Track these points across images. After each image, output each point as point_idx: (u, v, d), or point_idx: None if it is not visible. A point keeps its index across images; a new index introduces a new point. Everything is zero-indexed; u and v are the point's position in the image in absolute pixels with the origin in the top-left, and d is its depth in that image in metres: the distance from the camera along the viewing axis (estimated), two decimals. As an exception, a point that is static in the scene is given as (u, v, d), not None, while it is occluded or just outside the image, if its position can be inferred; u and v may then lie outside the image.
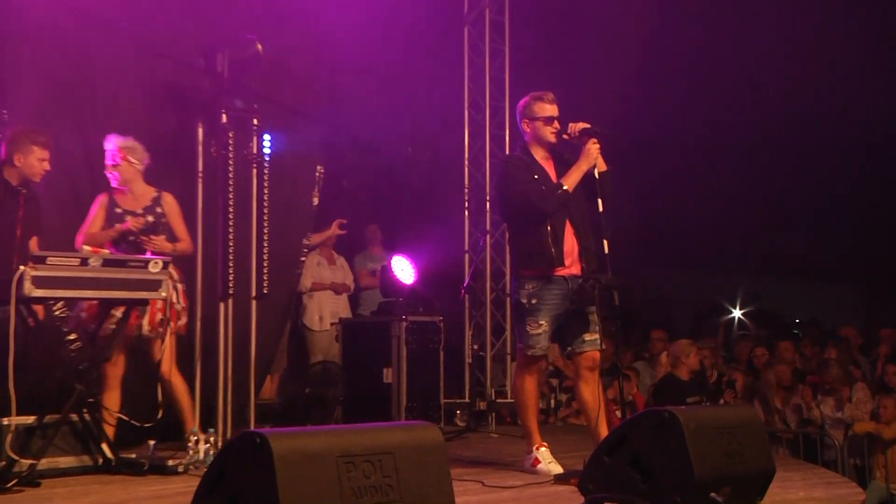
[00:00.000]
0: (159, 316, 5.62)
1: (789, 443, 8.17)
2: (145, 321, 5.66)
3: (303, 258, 7.74)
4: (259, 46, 6.17)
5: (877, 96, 13.05)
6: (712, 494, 3.88)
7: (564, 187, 5.21)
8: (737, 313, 17.88)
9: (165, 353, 5.60)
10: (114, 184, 5.86)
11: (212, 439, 5.42)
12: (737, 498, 4.05)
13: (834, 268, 18.13)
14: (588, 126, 5.27)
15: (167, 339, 5.59)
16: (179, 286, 5.83)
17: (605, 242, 5.13)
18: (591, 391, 5.28)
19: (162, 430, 5.61)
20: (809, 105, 13.49)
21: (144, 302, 5.42)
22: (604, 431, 5.06)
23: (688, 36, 11.98)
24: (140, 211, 5.84)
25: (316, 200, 7.57)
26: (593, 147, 5.21)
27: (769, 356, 8.96)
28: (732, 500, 3.99)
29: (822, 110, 13.63)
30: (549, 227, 5.20)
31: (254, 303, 6.33)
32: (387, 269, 8.03)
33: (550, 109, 5.35)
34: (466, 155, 8.88)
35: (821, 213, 15.85)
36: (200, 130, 6.25)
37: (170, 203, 5.93)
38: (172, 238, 5.89)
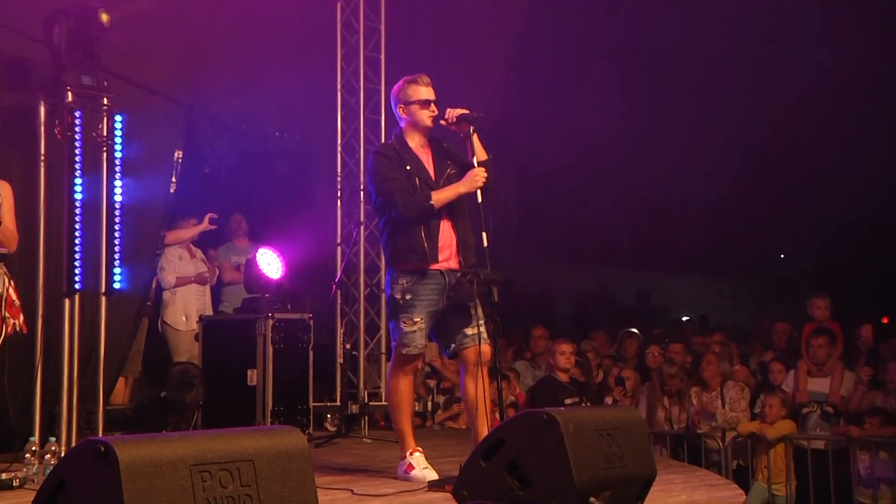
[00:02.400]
0: None
1: (672, 443, 8.40)
2: None
3: (158, 251, 7.60)
4: (104, 16, 5.98)
5: (764, 93, 13.61)
6: (591, 499, 3.97)
7: (432, 202, 5.22)
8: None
9: None
10: None
11: (53, 449, 5.26)
12: (617, 502, 4.15)
13: (721, 262, 18.74)
14: (466, 112, 5.30)
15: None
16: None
17: (484, 235, 5.19)
18: (474, 386, 5.30)
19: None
20: (697, 100, 13.95)
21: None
22: (484, 432, 5.09)
23: (571, 17, 12.22)
24: None
25: (173, 188, 7.42)
26: (481, 176, 5.22)
27: (663, 356, 9.17)
28: (612, 504, 4.09)
29: (710, 106, 14.12)
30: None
31: (103, 299, 6.18)
32: (251, 263, 7.94)
33: (426, 92, 5.36)
34: (339, 141, 8.85)
35: (708, 207, 16.36)
36: (42, 110, 6.05)
37: (7, 194, 5.65)
38: None
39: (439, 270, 5.26)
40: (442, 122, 5.35)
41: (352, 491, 4.88)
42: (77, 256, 5.96)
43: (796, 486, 7.79)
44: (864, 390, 7.89)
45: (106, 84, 6.12)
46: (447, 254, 5.30)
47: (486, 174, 5.23)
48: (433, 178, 5.33)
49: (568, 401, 7.70)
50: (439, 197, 5.24)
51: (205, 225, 8.45)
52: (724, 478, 6.47)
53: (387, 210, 5.31)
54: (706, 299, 19.33)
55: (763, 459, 7.84)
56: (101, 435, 5.91)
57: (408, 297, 5.23)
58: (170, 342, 8.36)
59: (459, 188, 5.27)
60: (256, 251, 8.03)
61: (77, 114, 5.95)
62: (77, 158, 5.95)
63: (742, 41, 13.41)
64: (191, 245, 8.62)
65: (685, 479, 5.49)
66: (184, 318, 8.37)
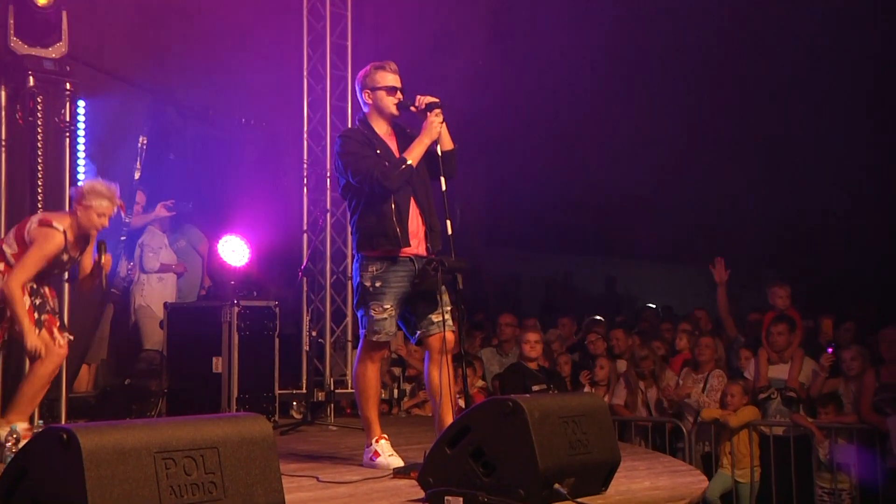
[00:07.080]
0: None
1: (642, 430, 8.43)
2: None
3: (123, 237, 7.54)
4: None
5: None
6: (556, 486, 3.99)
7: (409, 162, 5.22)
8: None
9: None
10: None
11: (14, 437, 5.21)
12: (581, 488, 4.17)
13: (687, 251, 18.86)
14: (436, 100, 5.29)
15: None
16: None
17: (448, 223, 5.19)
18: (438, 374, 5.29)
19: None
20: (666, 92, 14.02)
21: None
22: (449, 419, 5.10)
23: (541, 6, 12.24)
24: None
25: (138, 174, 7.36)
26: (435, 119, 5.23)
27: (605, 343, 9.18)
28: (577, 490, 4.11)
29: (681, 100, 14.21)
30: (392, 206, 5.20)
31: (66, 286, 6.12)
32: (213, 251, 7.90)
33: (392, 79, 5.35)
34: (305, 127, 8.80)
35: (675, 196, 16.45)
36: (3, 94, 5.98)
37: None
38: None
39: (409, 257, 5.25)
40: (412, 108, 5.33)
41: (317, 478, 4.87)
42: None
43: (760, 473, 7.86)
44: (825, 377, 7.95)
45: (69, 69, 6.05)
46: (416, 240, 5.29)
47: (440, 118, 5.23)
48: (400, 163, 5.32)
49: (536, 388, 7.72)
50: (412, 155, 5.23)
51: (158, 211, 8.37)
52: (687, 464, 6.50)
53: (362, 189, 5.24)
54: (670, 288, 19.47)
55: (727, 446, 7.90)
56: (63, 423, 5.87)
57: (378, 284, 5.21)
58: (146, 327, 8.28)
59: (424, 140, 5.25)
60: (220, 238, 7.97)
61: (38, 98, 5.88)
62: (39, 144, 5.89)
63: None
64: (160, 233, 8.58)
65: (649, 466, 5.53)
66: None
